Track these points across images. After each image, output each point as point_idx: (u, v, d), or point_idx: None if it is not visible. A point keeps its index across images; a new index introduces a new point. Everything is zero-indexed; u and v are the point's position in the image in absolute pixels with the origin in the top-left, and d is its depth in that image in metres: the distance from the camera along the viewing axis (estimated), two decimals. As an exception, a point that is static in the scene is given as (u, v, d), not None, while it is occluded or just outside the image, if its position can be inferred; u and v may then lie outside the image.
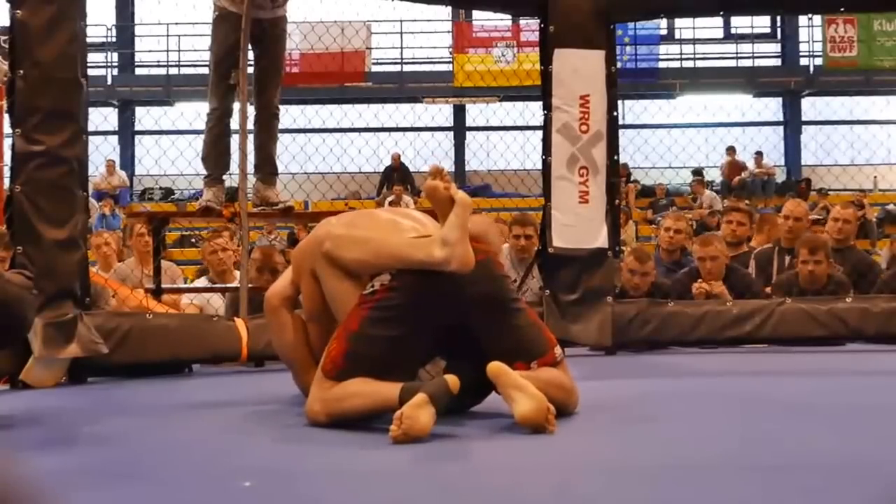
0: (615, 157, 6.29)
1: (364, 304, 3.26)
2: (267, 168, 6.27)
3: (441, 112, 21.20)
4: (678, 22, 20.58)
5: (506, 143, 14.73)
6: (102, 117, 13.16)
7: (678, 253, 7.86)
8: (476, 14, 20.26)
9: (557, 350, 3.41)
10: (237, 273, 6.67)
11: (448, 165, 19.53)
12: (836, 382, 4.73)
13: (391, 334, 3.21)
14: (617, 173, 6.38)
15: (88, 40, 5.22)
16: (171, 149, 9.56)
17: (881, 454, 2.71)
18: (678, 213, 9.88)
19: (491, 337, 3.30)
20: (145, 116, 20.26)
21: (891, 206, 18.59)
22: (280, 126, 6.34)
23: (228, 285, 6.70)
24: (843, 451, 2.75)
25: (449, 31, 20.81)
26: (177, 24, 19.14)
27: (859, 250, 8.14)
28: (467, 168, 20.53)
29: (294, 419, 3.33)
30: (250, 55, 6.08)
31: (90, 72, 5.30)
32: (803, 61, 21.83)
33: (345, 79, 19.48)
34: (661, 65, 21.15)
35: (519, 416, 3.03)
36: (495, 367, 3.10)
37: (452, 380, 2.95)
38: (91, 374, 4.95)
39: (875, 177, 19.60)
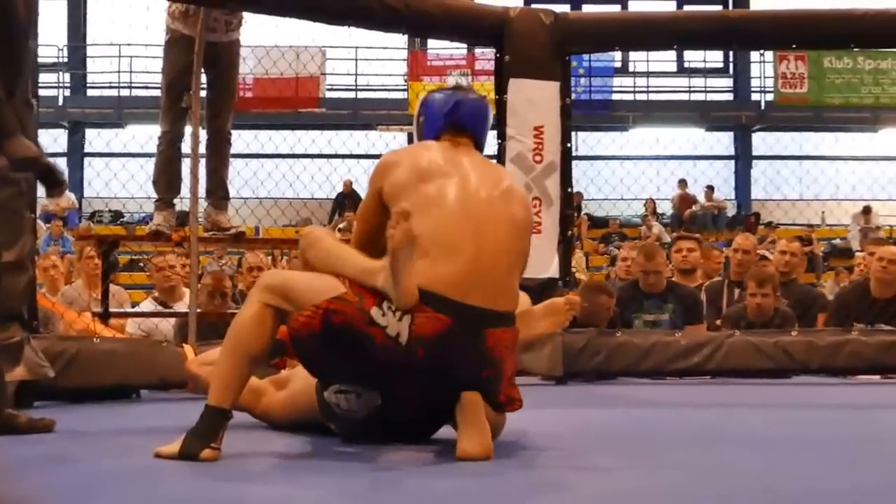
0: (568, 189, 6.33)
1: (362, 306, 3.04)
2: (219, 193, 6.24)
3: (395, 140, 21.22)
4: (632, 55, 20.75)
5: (459, 171, 14.72)
6: (52, 139, 13.03)
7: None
8: (431, 43, 20.33)
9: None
10: (185, 291, 6.62)
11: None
12: (783, 414, 4.77)
13: (348, 351, 3.06)
14: (570, 205, 6.43)
15: (40, 60, 5.18)
16: (121, 171, 9.48)
17: (827, 486, 2.73)
18: (633, 244, 9.97)
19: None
20: (96, 139, 20.09)
21: (837, 241, 18.84)
22: (232, 151, 6.32)
23: (177, 310, 6.64)
24: (788, 483, 2.77)
25: (404, 59, 20.87)
26: (129, 45, 19.02)
27: (802, 284, 8.27)
28: (421, 196, 20.44)
29: (241, 447, 3.30)
30: (203, 79, 6.06)
31: (41, 92, 5.26)
32: (755, 96, 22.11)
33: (299, 104, 19.46)
34: (615, 97, 21.33)
35: (460, 452, 3.01)
36: (471, 396, 3.06)
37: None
38: (37, 399, 4.88)
39: (823, 212, 19.84)
